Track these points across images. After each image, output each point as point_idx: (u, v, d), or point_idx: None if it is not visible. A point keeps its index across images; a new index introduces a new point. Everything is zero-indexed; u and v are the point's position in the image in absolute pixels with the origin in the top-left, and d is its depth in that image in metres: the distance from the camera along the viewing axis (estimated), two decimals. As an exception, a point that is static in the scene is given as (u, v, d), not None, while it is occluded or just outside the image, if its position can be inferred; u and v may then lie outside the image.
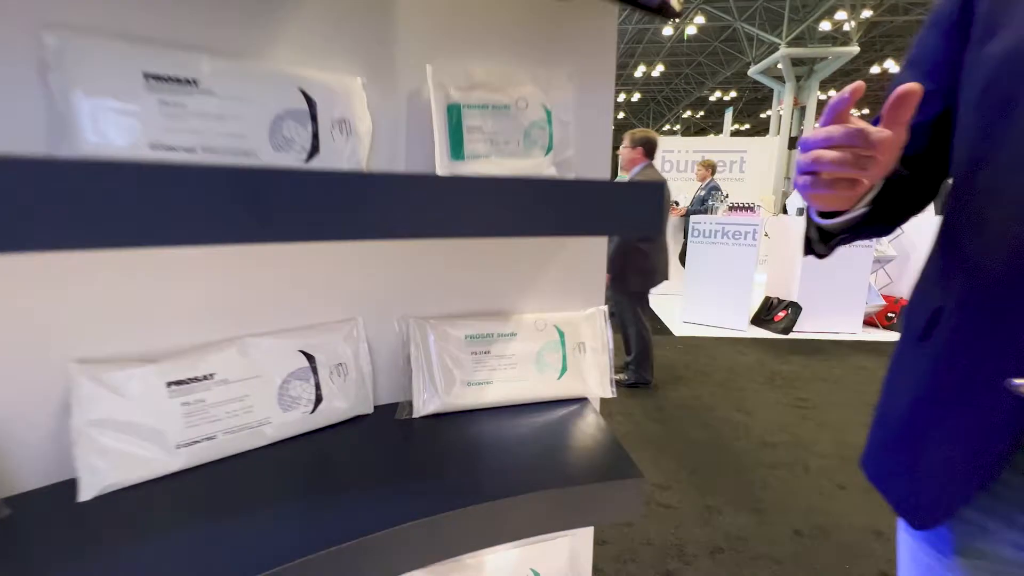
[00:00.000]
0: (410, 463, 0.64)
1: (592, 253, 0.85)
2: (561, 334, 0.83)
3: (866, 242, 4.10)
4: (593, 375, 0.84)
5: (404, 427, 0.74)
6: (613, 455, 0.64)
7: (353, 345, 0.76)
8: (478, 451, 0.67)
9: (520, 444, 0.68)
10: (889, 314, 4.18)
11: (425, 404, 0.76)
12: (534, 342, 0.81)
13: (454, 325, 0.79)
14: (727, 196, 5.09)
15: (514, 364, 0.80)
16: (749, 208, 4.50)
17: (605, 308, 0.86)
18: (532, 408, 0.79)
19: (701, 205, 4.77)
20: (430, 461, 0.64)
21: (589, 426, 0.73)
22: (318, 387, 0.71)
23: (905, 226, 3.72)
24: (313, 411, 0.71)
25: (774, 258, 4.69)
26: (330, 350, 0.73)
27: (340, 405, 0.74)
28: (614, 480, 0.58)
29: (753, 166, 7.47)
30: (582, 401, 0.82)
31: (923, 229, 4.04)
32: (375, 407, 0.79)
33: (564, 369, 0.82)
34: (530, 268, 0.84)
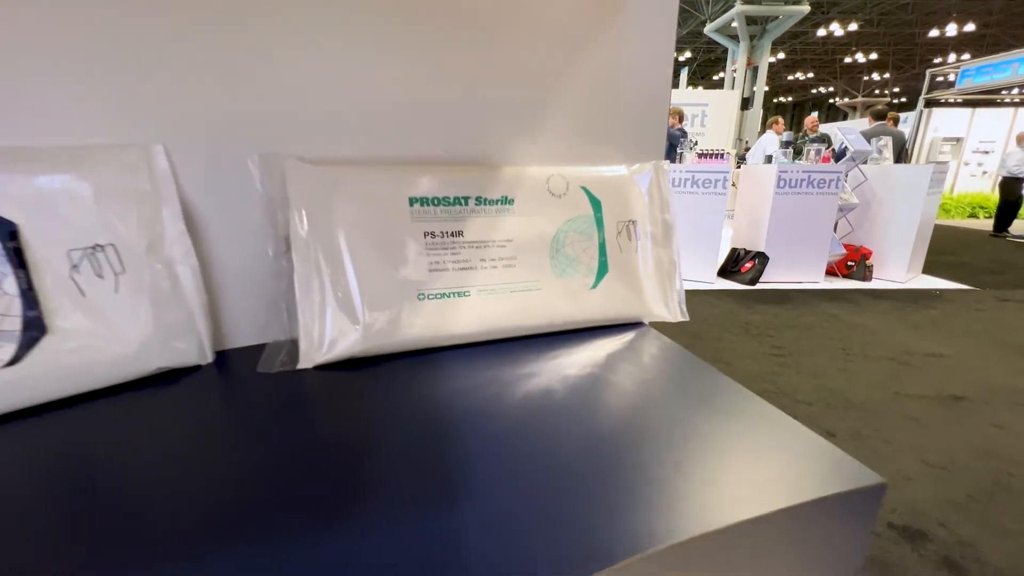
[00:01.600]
0: (301, 495, 0.23)
1: (649, 61, 0.45)
2: (595, 204, 0.44)
3: (832, 188, 4.03)
4: (652, 282, 0.46)
5: (280, 395, 0.33)
6: (788, 441, 0.27)
7: (141, 206, 0.32)
8: (459, 450, 0.27)
9: (556, 422, 0.30)
10: (849, 262, 4.21)
11: (326, 342, 0.35)
12: (547, 219, 0.42)
13: (384, 178, 0.38)
14: (696, 143, 4.88)
15: (511, 260, 0.41)
16: (719, 155, 4.30)
17: (666, 165, 0.47)
18: (548, 343, 0.41)
19: (670, 152, 4.53)
20: (348, 485, 0.24)
21: (689, 376, 0.36)
22: (29, 302, 0.28)
23: (868, 173, 3.65)
24: (15, 361, 0.28)
25: (742, 207, 4.58)
26: (69, 212, 0.29)
27: (107, 347, 0.30)
28: (818, 499, 0.21)
29: (714, 119, 7.35)
30: (637, 328, 0.44)
31: (884, 178, 4.02)
32: (217, 353, 0.37)
33: (603, 269, 0.44)
34: (538, 79, 0.43)
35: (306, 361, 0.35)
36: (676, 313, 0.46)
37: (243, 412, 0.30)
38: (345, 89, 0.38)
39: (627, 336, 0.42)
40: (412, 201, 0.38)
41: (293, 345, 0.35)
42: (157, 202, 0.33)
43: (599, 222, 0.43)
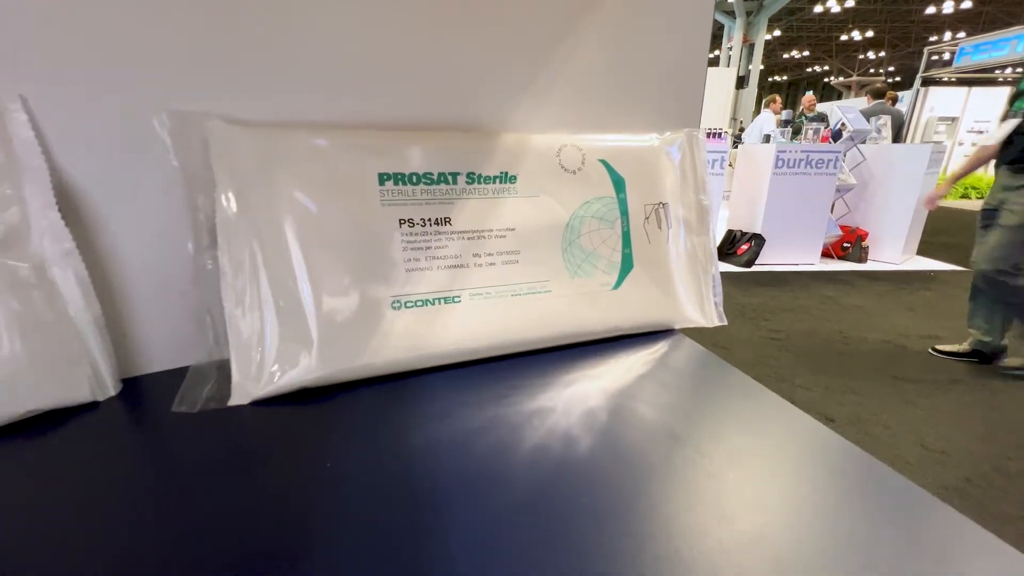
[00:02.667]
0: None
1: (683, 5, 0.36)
2: (618, 182, 0.35)
3: (830, 169, 3.96)
4: (685, 279, 0.37)
5: (203, 445, 0.24)
6: (929, 524, 0.19)
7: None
8: (445, 548, 0.19)
9: (587, 494, 0.21)
10: (845, 244, 4.17)
11: (267, 369, 0.26)
12: (559, 201, 0.33)
13: (345, 146, 0.28)
14: (693, 122, 4.74)
15: (513, 254, 0.32)
16: (717, 134, 4.20)
17: (700, 134, 0.38)
18: (562, 361, 0.32)
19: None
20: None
21: (761, 414, 0.28)
22: None
23: (866, 153, 3.57)
24: None
25: (739, 188, 4.51)
26: None
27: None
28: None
29: (711, 97, 7.22)
30: (668, 336, 0.36)
31: (882, 158, 3.96)
32: (126, 382, 0.28)
33: (627, 265, 0.35)
34: (547, 22, 0.33)
35: (240, 396, 0.26)
36: (712, 316, 0.38)
37: (147, 470, 0.22)
38: (293, 24, 0.28)
39: (658, 348, 0.33)
40: (383, 178, 0.29)
41: (223, 373, 0.26)
42: (15, 179, 0.23)
43: (623, 205, 0.34)
